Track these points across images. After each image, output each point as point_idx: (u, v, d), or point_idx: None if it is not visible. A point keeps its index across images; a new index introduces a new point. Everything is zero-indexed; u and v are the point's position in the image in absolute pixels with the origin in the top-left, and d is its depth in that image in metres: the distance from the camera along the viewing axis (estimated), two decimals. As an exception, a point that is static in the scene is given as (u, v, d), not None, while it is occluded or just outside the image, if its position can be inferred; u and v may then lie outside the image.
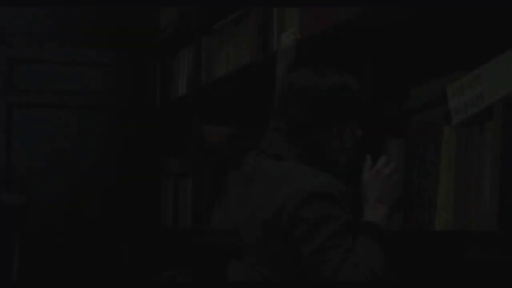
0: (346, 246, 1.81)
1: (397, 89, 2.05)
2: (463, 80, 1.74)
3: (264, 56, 2.72)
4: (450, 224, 1.74)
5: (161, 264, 3.95)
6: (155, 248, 3.98)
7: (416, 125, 1.89)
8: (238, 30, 3.02)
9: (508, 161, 1.57)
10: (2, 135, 4.28)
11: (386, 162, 1.94)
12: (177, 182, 3.72)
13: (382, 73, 2.07)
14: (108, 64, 4.43)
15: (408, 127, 1.91)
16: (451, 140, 1.76)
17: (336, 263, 1.78)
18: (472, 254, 1.63)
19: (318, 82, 1.97)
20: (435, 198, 1.80)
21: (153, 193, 4.00)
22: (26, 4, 4.21)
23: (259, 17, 2.77)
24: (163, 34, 3.99)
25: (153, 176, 4.03)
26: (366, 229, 1.86)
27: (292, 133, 1.99)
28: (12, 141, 4.29)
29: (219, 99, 3.21)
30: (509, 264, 1.54)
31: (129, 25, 4.44)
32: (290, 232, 1.87)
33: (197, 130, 3.39)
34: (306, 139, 1.97)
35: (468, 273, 2.01)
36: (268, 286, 1.96)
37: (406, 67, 2.22)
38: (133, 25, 4.44)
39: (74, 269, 4.30)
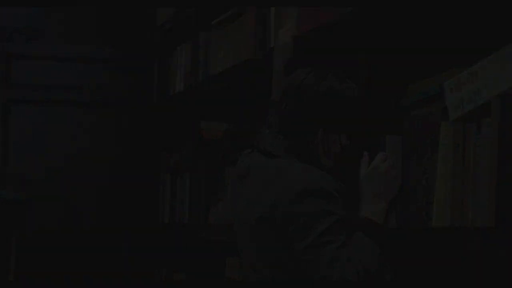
0: (340, 242, 1.81)
1: (394, 85, 2.06)
2: (461, 76, 1.75)
3: (261, 52, 2.72)
4: (448, 220, 1.75)
5: (159, 261, 3.95)
6: (153, 244, 3.98)
7: (414, 121, 1.89)
8: (236, 27, 3.01)
9: (505, 157, 1.57)
10: (-1, 132, 4.28)
11: (384, 158, 1.95)
12: (175, 178, 3.72)
13: (379, 69, 2.07)
14: (105, 60, 4.43)
15: (406, 123, 1.92)
16: (448, 136, 1.76)
17: (329, 259, 1.79)
18: (469, 250, 1.63)
19: (316, 83, 1.98)
20: (432, 194, 1.80)
21: (150, 189, 3.99)
22: (26, 4, 4.21)
23: (256, 14, 2.77)
24: (160, 30, 3.98)
25: (150, 172, 4.03)
26: (363, 225, 1.86)
27: (281, 128, 2.01)
28: (10, 138, 4.29)
29: (217, 95, 3.21)
30: (506, 260, 1.55)
31: (127, 21, 4.44)
32: (284, 228, 1.87)
33: (195, 126, 3.39)
34: (293, 136, 1.99)
35: (466, 269, 2.01)
36: (267, 285, 1.96)
37: (404, 63, 2.22)
38: (131, 21, 4.43)
39: (73, 267, 4.30)
